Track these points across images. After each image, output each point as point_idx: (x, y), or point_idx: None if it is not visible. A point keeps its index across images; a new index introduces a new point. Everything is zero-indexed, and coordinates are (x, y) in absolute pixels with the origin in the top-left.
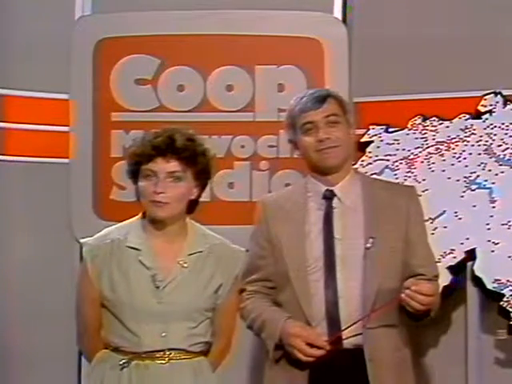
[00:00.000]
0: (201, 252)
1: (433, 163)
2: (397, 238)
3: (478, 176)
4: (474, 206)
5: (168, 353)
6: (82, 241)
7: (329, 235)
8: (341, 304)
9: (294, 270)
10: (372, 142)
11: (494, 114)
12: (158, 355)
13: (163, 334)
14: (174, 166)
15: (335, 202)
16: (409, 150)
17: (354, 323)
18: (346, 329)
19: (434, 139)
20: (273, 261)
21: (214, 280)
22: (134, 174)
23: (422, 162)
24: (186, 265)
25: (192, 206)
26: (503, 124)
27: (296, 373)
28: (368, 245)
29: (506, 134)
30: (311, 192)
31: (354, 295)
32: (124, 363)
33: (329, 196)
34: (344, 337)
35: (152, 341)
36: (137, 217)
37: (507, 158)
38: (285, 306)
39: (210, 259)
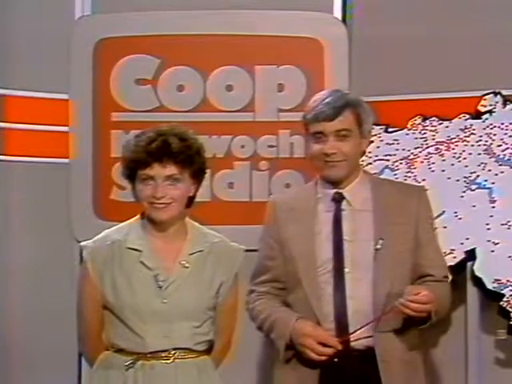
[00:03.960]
0: (201, 251)
1: (433, 163)
2: (407, 238)
3: (477, 176)
4: (474, 206)
5: (173, 352)
6: (81, 244)
7: (338, 237)
8: (349, 305)
9: (305, 272)
10: (372, 141)
11: (493, 114)
12: (163, 355)
13: (167, 334)
14: (170, 170)
15: (344, 204)
16: (409, 150)
17: (363, 326)
18: (356, 331)
19: (433, 139)
20: (282, 262)
21: (215, 279)
22: (130, 177)
23: (422, 162)
24: (187, 265)
25: (189, 202)
26: (503, 124)
27: (307, 373)
28: (378, 246)
29: (506, 133)
30: (320, 194)
31: (364, 296)
32: (129, 364)
33: (338, 199)
34: (354, 338)
35: (157, 341)
36: (136, 217)
37: (507, 157)
38: (295, 307)
39: (210, 258)
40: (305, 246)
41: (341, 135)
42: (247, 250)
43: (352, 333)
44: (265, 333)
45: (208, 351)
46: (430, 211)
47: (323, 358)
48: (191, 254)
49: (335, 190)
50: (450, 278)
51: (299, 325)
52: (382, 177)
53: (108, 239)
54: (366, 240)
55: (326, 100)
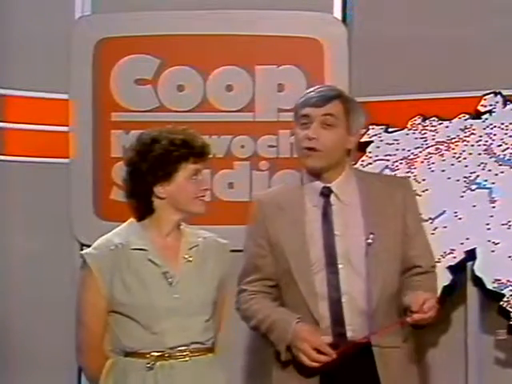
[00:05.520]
0: (197, 246)
1: (433, 163)
2: (396, 231)
3: (477, 176)
4: (474, 206)
5: (189, 349)
6: (83, 252)
7: (329, 233)
8: (344, 301)
9: (298, 271)
10: (372, 142)
11: (493, 114)
12: (179, 354)
13: (184, 329)
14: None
15: (332, 198)
16: (409, 150)
17: (363, 339)
18: (353, 342)
19: (433, 139)
20: (272, 260)
21: (215, 272)
22: (170, 173)
23: (422, 162)
24: (191, 259)
25: None
26: (503, 124)
27: (308, 374)
28: (369, 240)
29: (506, 133)
30: (307, 189)
31: (357, 291)
32: (151, 365)
33: (326, 193)
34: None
35: (175, 336)
36: (129, 221)
37: (507, 158)
38: (291, 306)
39: (205, 252)
40: (296, 245)
41: (326, 122)
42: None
43: (346, 344)
44: (262, 333)
45: (213, 349)
46: (416, 202)
47: (316, 364)
48: (190, 249)
49: (323, 185)
50: (450, 277)
51: (299, 328)
52: (365, 170)
53: (110, 244)
54: (357, 234)
55: (320, 89)
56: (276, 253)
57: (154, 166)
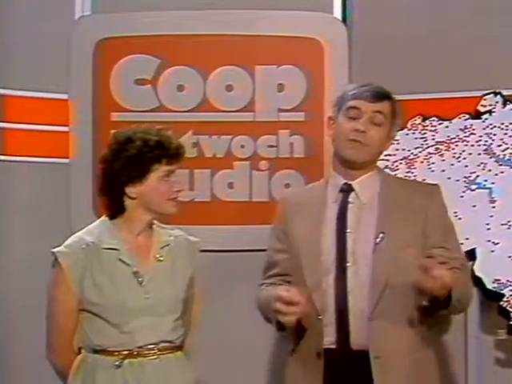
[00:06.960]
0: (168, 245)
1: (432, 163)
2: (409, 234)
3: (477, 176)
4: (474, 206)
5: (159, 346)
6: (55, 250)
7: (341, 229)
8: (350, 298)
9: (307, 264)
10: None
11: (493, 114)
12: (148, 352)
13: (154, 328)
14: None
15: (352, 196)
16: (408, 150)
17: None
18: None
19: (433, 139)
20: (290, 255)
21: (186, 271)
22: (140, 174)
23: (422, 162)
24: (161, 258)
25: None
26: (503, 124)
27: (310, 373)
28: (378, 239)
29: (506, 133)
30: (330, 185)
31: (362, 290)
32: (119, 363)
33: (346, 189)
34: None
35: (144, 335)
36: (101, 219)
37: (507, 157)
38: None
39: (176, 250)
40: (310, 240)
41: (375, 120)
42: (248, 250)
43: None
44: (264, 315)
45: (182, 347)
46: (441, 211)
47: (289, 318)
48: (162, 248)
49: (345, 181)
50: None
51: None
52: (394, 174)
53: (82, 242)
54: (368, 234)
55: (372, 85)
56: (292, 249)
57: (126, 165)
